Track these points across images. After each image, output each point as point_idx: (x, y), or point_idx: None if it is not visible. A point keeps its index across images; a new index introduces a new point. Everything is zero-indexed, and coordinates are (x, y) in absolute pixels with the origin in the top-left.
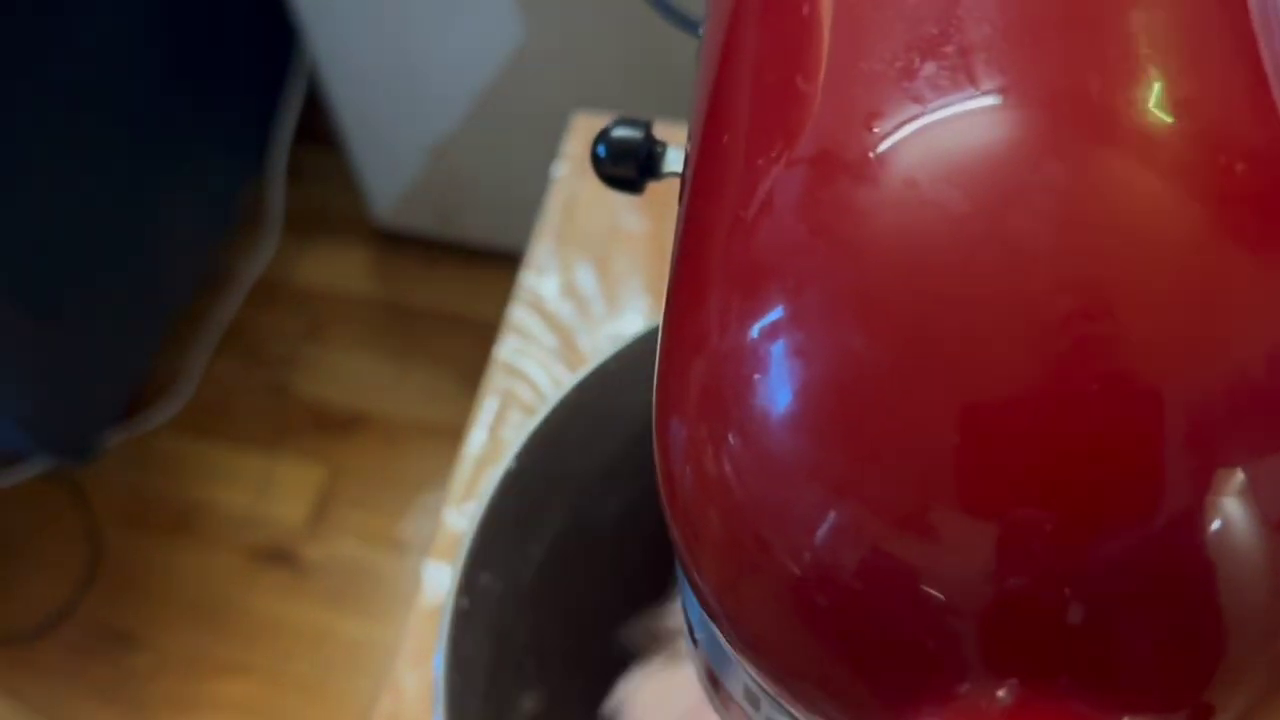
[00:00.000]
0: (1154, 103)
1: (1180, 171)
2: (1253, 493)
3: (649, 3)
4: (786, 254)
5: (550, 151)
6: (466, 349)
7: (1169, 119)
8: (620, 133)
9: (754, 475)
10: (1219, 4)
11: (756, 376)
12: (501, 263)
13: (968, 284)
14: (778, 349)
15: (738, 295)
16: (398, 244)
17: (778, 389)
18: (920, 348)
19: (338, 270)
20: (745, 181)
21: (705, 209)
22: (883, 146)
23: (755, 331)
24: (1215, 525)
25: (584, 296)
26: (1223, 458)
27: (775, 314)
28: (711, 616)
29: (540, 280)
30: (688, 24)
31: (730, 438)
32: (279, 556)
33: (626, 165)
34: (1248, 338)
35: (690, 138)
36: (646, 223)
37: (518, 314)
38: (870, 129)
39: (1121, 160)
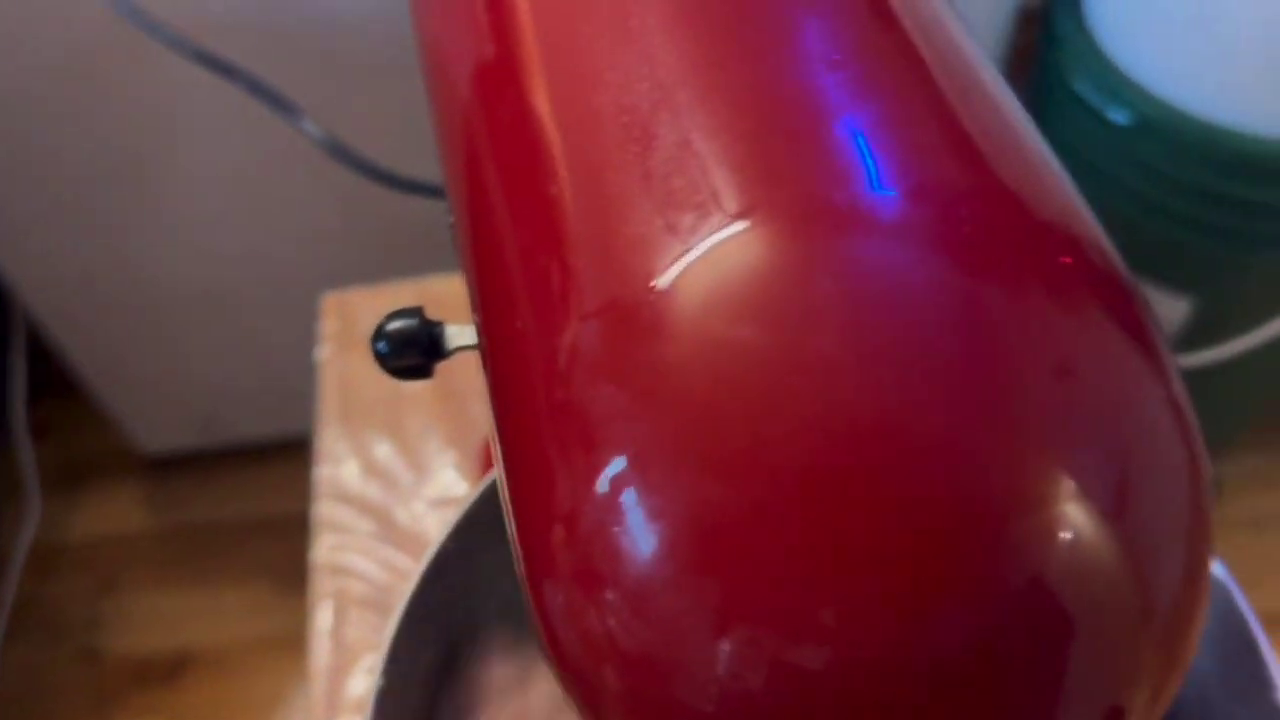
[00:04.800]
0: (886, 188)
1: (925, 241)
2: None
3: (360, 173)
4: (608, 410)
5: (297, 331)
6: (271, 550)
7: (902, 199)
8: (396, 325)
9: (640, 623)
10: (911, 74)
11: (617, 530)
12: (279, 452)
13: (779, 409)
14: (628, 500)
15: (576, 456)
16: (169, 467)
17: (640, 537)
18: (755, 475)
19: (114, 513)
20: (545, 348)
21: (513, 379)
22: (659, 293)
23: (603, 487)
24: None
25: (387, 472)
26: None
27: (616, 467)
28: None
29: (337, 470)
30: (401, 184)
31: (608, 594)
32: None
33: (411, 354)
34: (1038, 382)
35: (474, 309)
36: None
37: (325, 510)
38: (641, 278)
39: (877, 252)
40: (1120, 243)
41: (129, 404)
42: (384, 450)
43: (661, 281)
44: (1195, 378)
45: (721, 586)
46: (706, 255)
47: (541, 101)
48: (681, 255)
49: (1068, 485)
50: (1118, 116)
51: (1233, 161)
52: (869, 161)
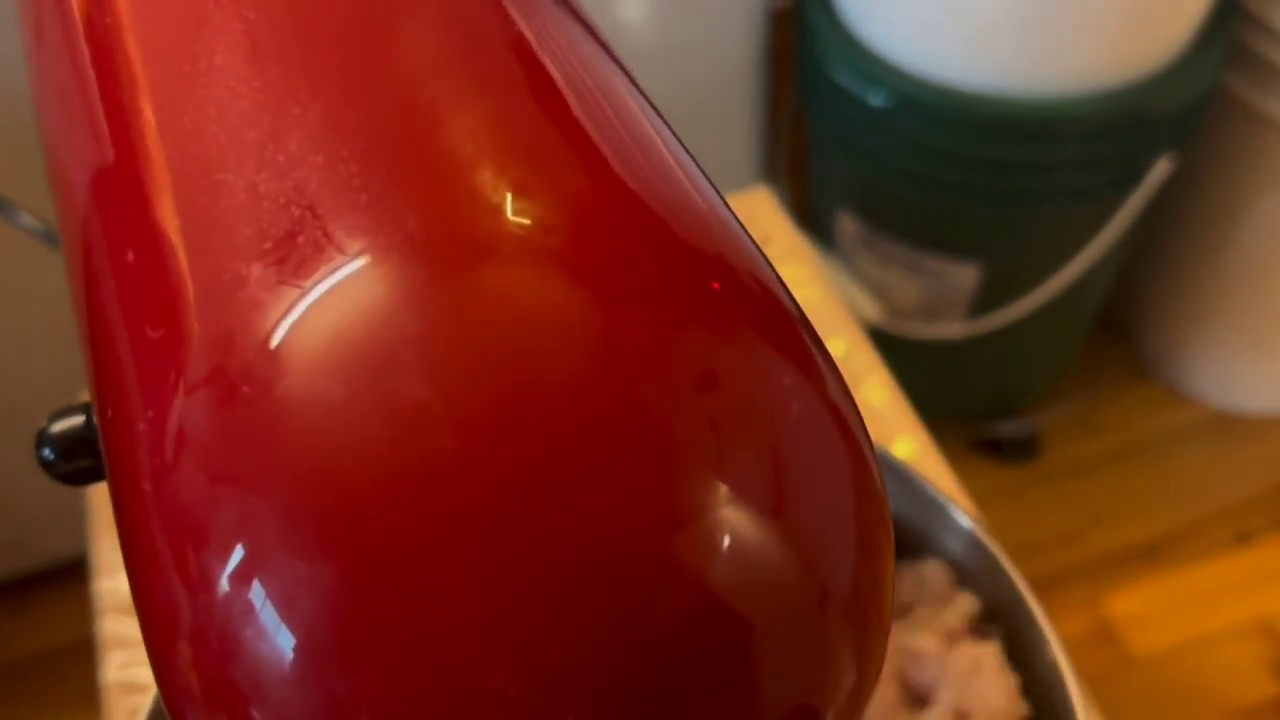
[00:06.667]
0: (512, 215)
1: (555, 269)
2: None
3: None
4: (218, 495)
5: None
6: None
7: (529, 225)
8: (60, 427)
9: None
10: (527, 90)
11: (250, 633)
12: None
13: (375, 466)
14: (256, 595)
15: (191, 557)
16: None
17: (278, 634)
18: (375, 546)
19: None
20: (153, 436)
21: (123, 476)
22: (266, 354)
23: (225, 587)
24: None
25: None
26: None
27: (235, 560)
28: None
29: (116, 581)
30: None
31: (256, 714)
32: None
33: (84, 456)
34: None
35: (92, 399)
36: None
37: (109, 626)
38: (249, 341)
39: (503, 284)
40: (900, 220)
41: None
42: None
43: (270, 340)
44: (998, 338)
45: (384, 671)
46: (316, 305)
47: (139, 163)
48: (291, 308)
49: (720, 490)
50: (877, 99)
51: (989, 126)
52: (492, 186)
